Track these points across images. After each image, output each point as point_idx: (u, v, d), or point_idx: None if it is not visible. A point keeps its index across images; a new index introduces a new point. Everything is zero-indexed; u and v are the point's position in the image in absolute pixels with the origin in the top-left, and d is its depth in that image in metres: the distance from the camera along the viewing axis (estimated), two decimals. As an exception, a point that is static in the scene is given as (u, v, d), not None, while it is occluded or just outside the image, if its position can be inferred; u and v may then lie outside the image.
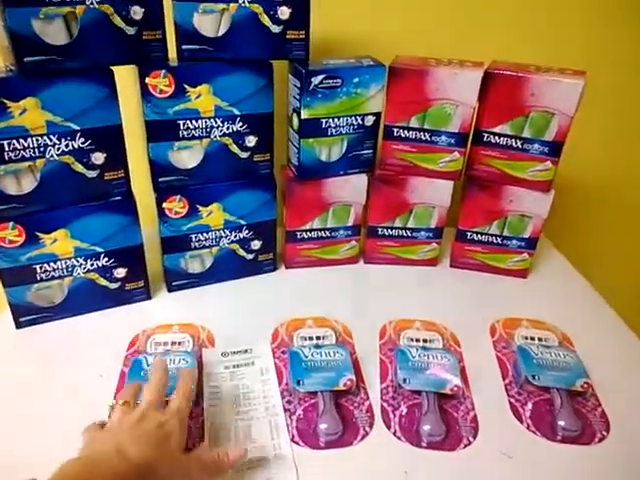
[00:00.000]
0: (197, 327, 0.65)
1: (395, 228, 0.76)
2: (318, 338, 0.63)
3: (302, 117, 0.65)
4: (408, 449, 0.51)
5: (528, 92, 0.65)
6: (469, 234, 0.76)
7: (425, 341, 0.63)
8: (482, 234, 0.76)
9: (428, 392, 0.55)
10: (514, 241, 0.75)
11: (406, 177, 0.72)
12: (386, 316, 0.68)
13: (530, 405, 0.56)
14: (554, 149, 0.67)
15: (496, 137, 0.68)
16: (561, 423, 0.53)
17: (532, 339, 0.65)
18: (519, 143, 0.68)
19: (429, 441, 0.52)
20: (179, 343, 0.61)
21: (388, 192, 0.74)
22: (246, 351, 0.61)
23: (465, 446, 0.52)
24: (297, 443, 0.51)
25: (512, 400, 0.57)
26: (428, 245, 0.78)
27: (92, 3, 0.53)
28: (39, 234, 0.60)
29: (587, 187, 0.97)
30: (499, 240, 0.76)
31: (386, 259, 0.79)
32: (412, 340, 0.63)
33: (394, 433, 0.52)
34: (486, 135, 0.69)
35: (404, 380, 0.55)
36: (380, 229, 0.76)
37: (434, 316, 0.68)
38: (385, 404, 0.56)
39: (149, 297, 0.70)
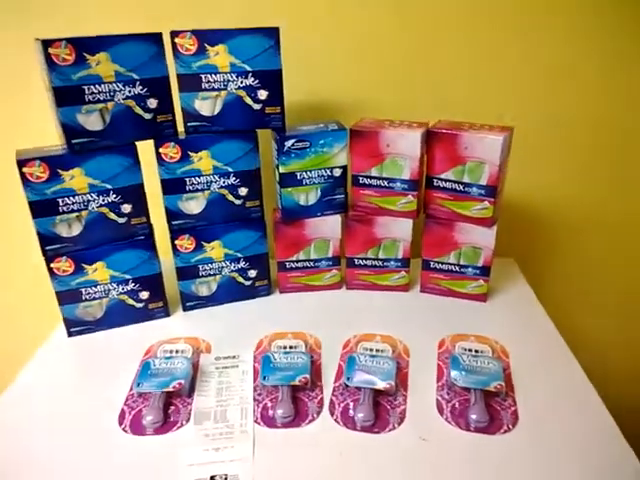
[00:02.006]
0: (199, 339, 0.82)
1: (368, 259, 0.91)
2: (290, 347, 0.79)
3: (280, 171, 0.83)
4: (345, 432, 0.65)
5: (462, 146, 0.79)
6: (432, 263, 0.90)
7: (377, 350, 0.77)
8: (443, 263, 0.89)
9: (365, 388, 0.69)
10: (470, 269, 0.88)
11: (373, 216, 0.88)
12: (354, 331, 0.83)
13: (453, 402, 0.69)
14: (490, 191, 0.80)
15: (443, 182, 0.83)
16: (473, 416, 0.65)
17: (469, 350, 0.77)
18: (461, 187, 0.82)
19: (362, 426, 0.66)
20: (182, 351, 0.79)
21: (360, 229, 0.89)
22: (234, 357, 0.78)
23: (390, 430, 0.65)
24: (259, 423, 0.67)
25: (439, 398, 0.70)
26: (398, 273, 0.92)
27: (119, 100, 0.74)
28: (84, 265, 0.80)
29: (563, 221, 1.08)
30: (457, 268, 0.88)
31: (364, 285, 0.94)
32: (366, 350, 0.77)
33: (335, 419, 0.67)
34: (435, 180, 0.83)
35: (347, 379, 0.70)
36: (356, 259, 0.92)
37: (394, 332, 0.82)
38: (334, 398, 0.70)
39: (168, 315, 0.89)
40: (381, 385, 0.69)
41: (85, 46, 0.69)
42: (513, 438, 0.64)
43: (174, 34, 0.74)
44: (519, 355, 0.77)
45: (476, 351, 0.77)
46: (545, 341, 0.81)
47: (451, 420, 0.66)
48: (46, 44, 0.67)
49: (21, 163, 0.72)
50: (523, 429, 0.65)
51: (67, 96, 0.71)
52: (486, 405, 0.67)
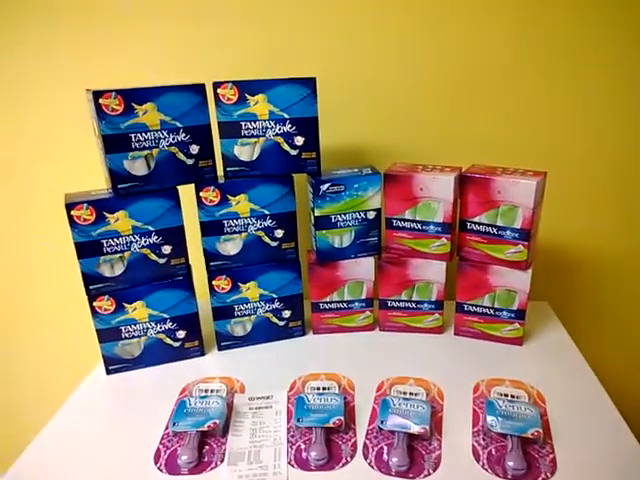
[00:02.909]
0: (233, 379, 0.83)
1: (402, 301, 0.91)
2: (324, 388, 0.79)
3: (315, 214, 0.85)
4: (379, 476, 0.65)
5: (495, 190, 0.80)
6: (466, 306, 0.89)
7: (411, 394, 0.77)
8: (477, 306, 0.89)
9: (399, 432, 0.68)
10: (505, 312, 0.87)
11: (407, 258, 0.88)
12: (387, 374, 0.82)
13: (489, 448, 0.67)
14: (523, 235, 0.80)
15: (476, 225, 0.83)
16: (510, 463, 0.64)
17: (506, 395, 0.76)
18: (495, 230, 0.82)
19: (396, 471, 0.65)
20: (217, 390, 0.80)
21: (393, 271, 0.90)
22: (268, 397, 0.78)
23: (425, 476, 0.64)
24: (292, 465, 0.66)
25: (475, 444, 0.68)
26: (431, 315, 0.92)
27: (164, 147, 0.78)
28: (124, 304, 0.83)
29: (599, 265, 1.06)
30: (491, 311, 0.88)
31: (397, 327, 0.94)
32: (400, 393, 0.77)
33: (369, 463, 0.66)
34: (469, 224, 0.84)
35: (382, 422, 0.69)
36: (389, 301, 0.92)
37: (427, 376, 0.82)
38: (368, 442, 0.70)
39: (203, 354, 0.91)
40: (415, 429, 0.68)
41: (133, 96, 0.74)
42: (552, 487, 0.62)
43: (217, 85, 0.78)
44: (556, 401, 0.75)
45: (512, 396, 0.76)
46: (583, 386, 0.79)
47: (487, 467, 0.65)
48: (97, 95, 0.72)
49: (70, 206, 0.76)
50: (562, 477, 0.63)
51: (115, 143, 0.75)
52: (523, 452, 0.65)
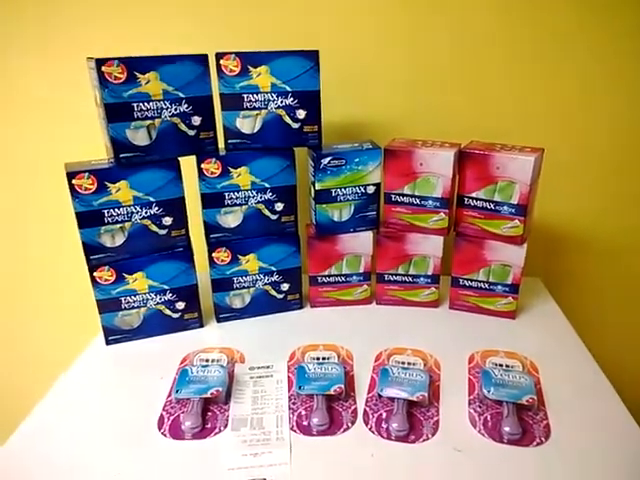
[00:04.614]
0: (233, 350, 0.84)
1: (399, 274, 0.93)
2: (324, 358, 0.80)
3: (316, 188, 0.86)
4: (379, 441, 0.67)
5: (494, 166, 0.81)
6: (461, 280, 0.91)
7: (409, 363, 0.79)
8: (472, 280, 0.90)
9: (399, 399, 0.70)
10: (499, 286, 0.89)
11: (404, 233, 0.90)
12: (384, 345, 0.84)
13: (485, 415, 0.70)
14: (520, 210, 0.82)
15: (474, 200, 0.85)
16: (506, 429, 0.66)
17: (500, 365, 0.78)
18: (492, 205, 0.84)
19: (396, 436, 0.67)
20: (217, 360, 0.81)
21: (391, 245, 0.91)
22: (268, 367, 0.80)
23: (424, 440, 0.66)
24: (295, 431, 0.68)
25: (471, 410, 0.71)
26: (428, 289, 0.93)
27: (166, 117, 0.78)
28: (125, 275, 0.83)
29: (590, 244, 1.09)
30: (486, 285, 0.90)
31: (394, 301, 0.95)
32: (398, 362, 0.79)
33: (369, 428, 0.68)
34: (466, 199, 0.85)
35: (381, 390, 0.71)
36: (386, 275, 0.93)
37: (424, 347, 0.84)
38: (367, 408, 0.71)
39: (202, 325, 0.91)
40: (414, 396, 0.70)
41: (136, 65, 0.73)
42: (546, 451, 0.64)
43: (219, 55, 0.78)
44: (549, 371, 0.78)
45: (507, 366, 0.78)
46: (574, 357, 0.81)
47: (484, 432, 0.67)
48: (100, 63, 0.72)
49: (71, 175, 0.76)
50: (556, 442, 0.65)
51: (117, 112, 0.74)
52: (518, 419, 0.67)
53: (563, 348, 0.84)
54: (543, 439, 0.66)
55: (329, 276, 0.93)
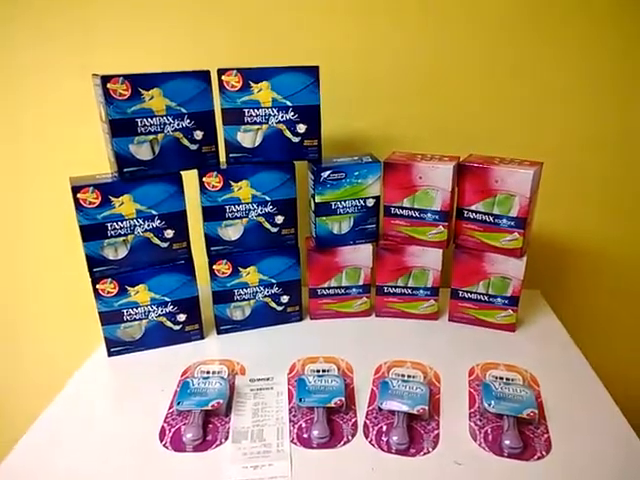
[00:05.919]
0: (233, 362, 0.85)
1: (398, 287, 0.93)
2: (324, 371, 0.81)
3: (316, 201, 0.87)
4: (380, 454, 0.67)
5: (493, 179, 0.82)
6: (460, 292, 0.92)
7: (409, 376, 0.79)
8: (471, 293, 0.91)
9: (399, 412, 0.70)
10: (499, 299, 0.90)
11: (404, 246, 0.90)
12: (384, 358, 0.84)
13: (486, 429, 0.70)
14: (519, 223, 0.83)
15: (473, 213, 0.85)
16: (507, 442, 0.66)
17: (500, 378, 0.78)
18: (491, 218, 0.84)
19: (397, 449, 0.67)
20: (218, 372, 0.81)
21: (390, 258, 0.92)
22: (268, 379, 0.80)
23: (424, 454, 0.66)
24: (295, 443, 0.68)
25: (472, 424, 0.71)
26: (427, 301, 0.94)
27: (169, 132, 0.79)
28: (127, 287, 0.84)
29: (589, 255, 1.10)
30: (486, 298, 0.90)
31: (393, 313, 0.96)
32: (398, 375, 0.79)
33: (370, 441, 0.68)
34: (466, 212, 0.86)
35: (381, 402, 0.72)
36: (386, 288, 0.94)
37: (424, 360, 0.84)
38: (368, 421, 0.72)
39: (203, 337, 0.92)
40: (415, 409, 0.70)
41: (140, 82, 0.75)
42: (547, 465, 0.64)
43: (221, 72, 0.79)
44: (549, 384, 0.78)
45: (507, 379, 0.78)
46: (574, 370, 0.82)
47: (485, 446, 0.67)
48: (105, 80, 0.73)
49: (76, 189, 0.76)
50: (557, 456, 0.65)
51: (122, 128, 0.76)
52: (519, 432, 0.68)
53: (563, 361, 0.84)
54: (544, 453, 0.66)
55: (329, 288, 0.94)
